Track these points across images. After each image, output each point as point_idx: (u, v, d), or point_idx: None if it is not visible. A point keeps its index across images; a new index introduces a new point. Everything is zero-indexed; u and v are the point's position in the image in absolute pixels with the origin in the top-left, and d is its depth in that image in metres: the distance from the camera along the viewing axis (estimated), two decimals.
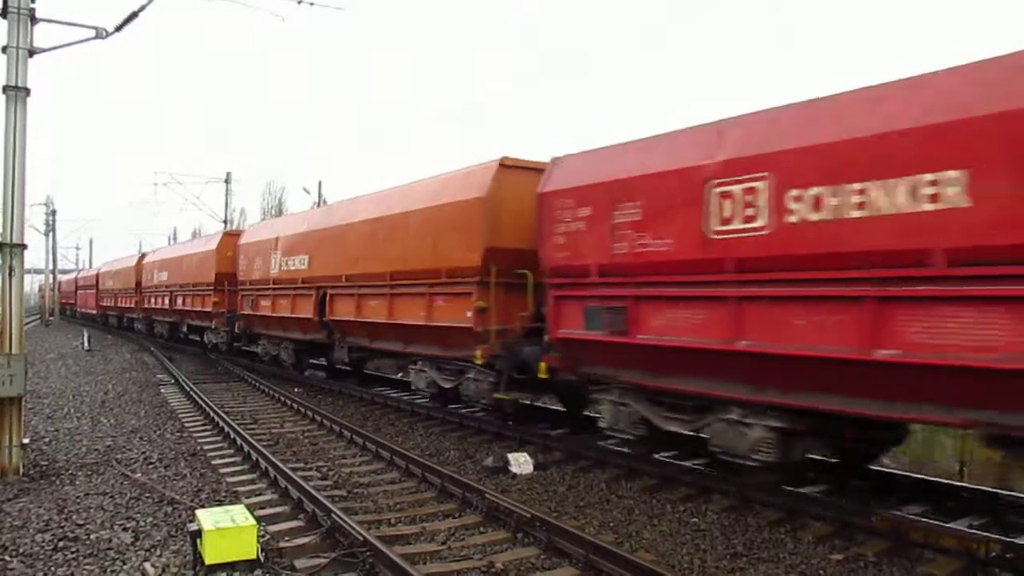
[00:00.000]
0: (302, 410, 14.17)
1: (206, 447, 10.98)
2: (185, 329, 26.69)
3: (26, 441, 9.54)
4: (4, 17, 9.22)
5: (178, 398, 16.11)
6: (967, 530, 6.51)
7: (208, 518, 6.14)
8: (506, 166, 10.91)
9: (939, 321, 5.82)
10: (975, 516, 7.10)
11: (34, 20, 9.38)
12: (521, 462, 9.49)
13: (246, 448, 10.41)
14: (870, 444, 8.22)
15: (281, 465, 8.94)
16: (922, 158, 5.85)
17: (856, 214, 6.23)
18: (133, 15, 10.04)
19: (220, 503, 7.69)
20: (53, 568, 6.08)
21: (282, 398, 15.67)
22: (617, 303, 8.55)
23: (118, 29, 10.12)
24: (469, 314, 11.07)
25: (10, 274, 9.23)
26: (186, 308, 25.54)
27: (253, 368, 20.68)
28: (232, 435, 11.37)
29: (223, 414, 12.90)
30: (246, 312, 20.43)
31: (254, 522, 6.18)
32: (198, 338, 25.46)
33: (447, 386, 12.41)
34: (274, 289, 18.44)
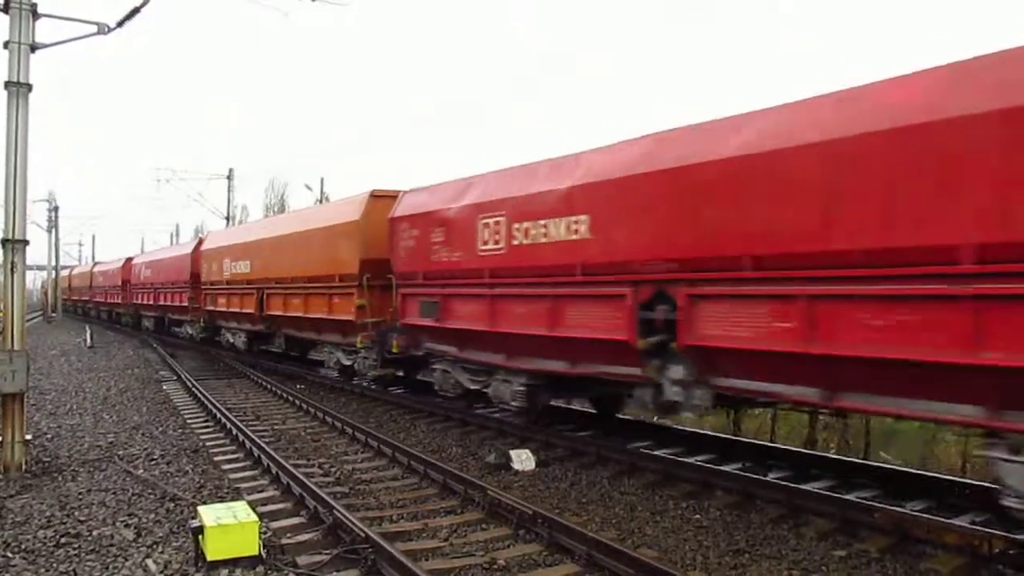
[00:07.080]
0: (304, 407, 14.19)
1: (208, 444, 10.99)
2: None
3: (28, 437, 9.55)
4: (6, 12, 9.20)
5: (180, 394, 16.14)
6: (970, 526, 6.48)
7: (210, 514, 6.14)
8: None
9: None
10: (978, 512, 7.07)
11: (36, 16, 9.36)
12: (523, 459, 9.49)
13: (248, 445, 10.42)
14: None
15: (283, 462, 8.95)
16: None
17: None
18: (135, 11, 10.00)
19: (222, 499, 7.71)
20: (55, 564, 6.09)
21: (284, 395, 15.70)
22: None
23: (120, 24, 10.09)
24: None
25: (12, 270, 9.24)
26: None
27: (255, 365, 20.72)
28: (234, 432, 11.39)
29: (225, 411, 12.92)
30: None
31: (256, 518, 6.18)
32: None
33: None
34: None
